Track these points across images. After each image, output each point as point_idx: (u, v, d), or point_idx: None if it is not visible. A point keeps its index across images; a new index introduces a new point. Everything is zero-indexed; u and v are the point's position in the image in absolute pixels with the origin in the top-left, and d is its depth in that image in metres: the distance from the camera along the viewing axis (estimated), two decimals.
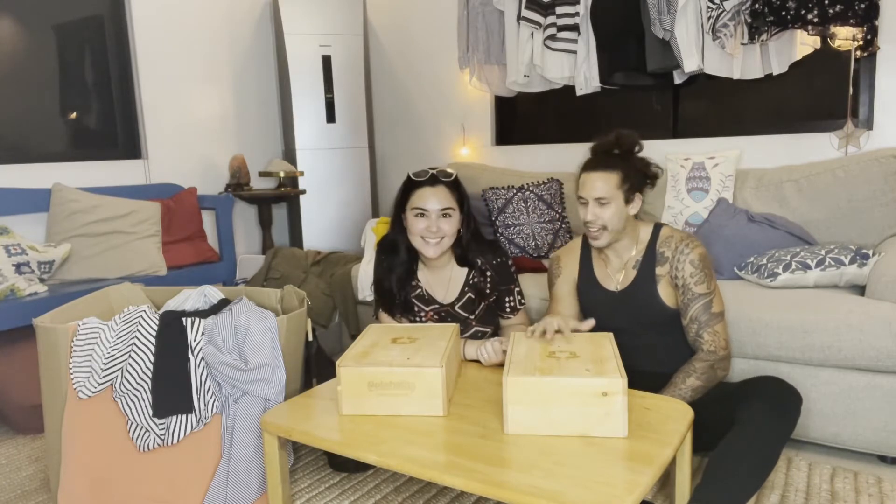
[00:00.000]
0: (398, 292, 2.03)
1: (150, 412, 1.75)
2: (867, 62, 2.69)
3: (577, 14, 3.13)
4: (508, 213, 3.06)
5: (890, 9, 2.59)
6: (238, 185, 3.69)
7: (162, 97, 3.55)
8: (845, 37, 2.61)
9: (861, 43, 2.57)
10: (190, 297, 2.09)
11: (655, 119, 3.30)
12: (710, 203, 2.74)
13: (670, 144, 3.13)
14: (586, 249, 2.05)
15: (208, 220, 3.69)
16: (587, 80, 3.17)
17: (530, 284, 2.53)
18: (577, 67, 3.18)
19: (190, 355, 1.79)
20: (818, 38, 2.70)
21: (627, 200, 1.85)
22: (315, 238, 3.95)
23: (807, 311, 2.00)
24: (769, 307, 2.06)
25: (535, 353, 1.60)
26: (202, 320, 1.82)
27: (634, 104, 3.38)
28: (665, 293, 1.89)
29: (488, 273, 2.02)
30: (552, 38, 3.20)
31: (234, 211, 3.95)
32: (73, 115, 3.31)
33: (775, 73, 2.78)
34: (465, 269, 2.04)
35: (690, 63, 2.83)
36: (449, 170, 1.98)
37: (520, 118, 3.80)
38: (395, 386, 1.56)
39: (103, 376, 1.76)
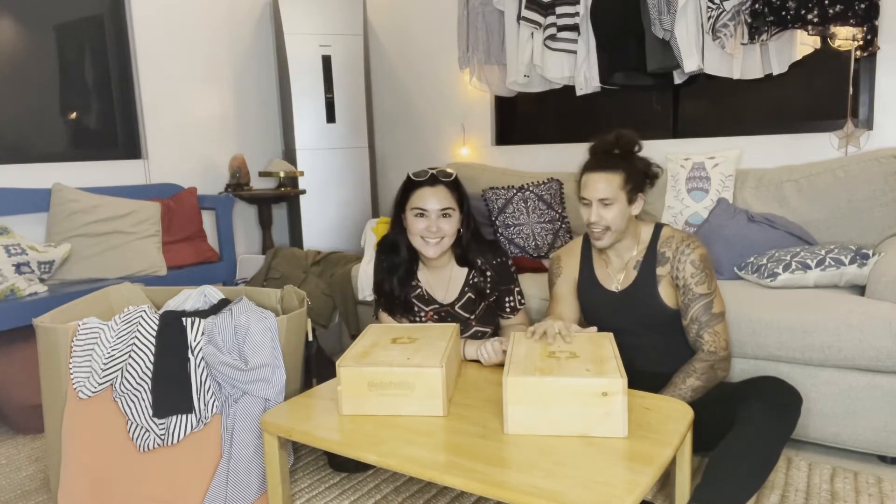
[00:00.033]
0: (398, 292, 2.03)
1: (150, 412, 1.75)
2: (867, 62, 2.69)
3: (577, 14, 3.13)
4: (508, 213, 3.06)
5: (890, 9, 2.59)
6: (238, 185, 3.69)
7: (162, 97, 3.55)
8: (845, 37, 2.61)
9: (861, 43, 2.57)
10: (190, 298, 2.09)
11: (655, 119, 3.30)
12: (710, 203, 2.74)
13: (670, 144, 3.13)
14: (587, 249, 2.05)
15: (208, 220, 3.69)
16: (587, 80, 3.17)
17: (530, 284, 2.53)
18: (577, 67, 3.18)
19: (190, 355, 1.79)
20: (818, 38, 2.70)
21: (630, 201, 1.85)
22: (315, 238, 3.95)
23: (807, 311, 2.00)
24: (769, 307, 2.06)
25: (535, 353, 1.59)
26: (202, 320, 1.82)
27: (634, 104, 3.38)
28: (666, 293, 1.89)
29: (488, 273, 2.02)
30: (552, 38, 3.20)
31: (234, 211, 3.95)
32: (73, 115, 3.31)
33: (775, 73, 2.78)
34: (465, 269, 2.04)
35: (690, 63, 2.83)
36: (449, 170, 1.98)
37: (520, 118, 3.80)
38: (395, 386, 1.56)
39: (103, 376, 1.76)
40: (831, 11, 2.51)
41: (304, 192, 3.84)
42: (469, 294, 2.03)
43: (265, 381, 1.81)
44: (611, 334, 1.72)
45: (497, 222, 3.07)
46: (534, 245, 3.01)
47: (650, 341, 1.94)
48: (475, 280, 2.03)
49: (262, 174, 3.69)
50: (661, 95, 3.27)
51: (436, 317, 2.05)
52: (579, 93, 3.20)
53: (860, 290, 2.17)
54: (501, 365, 1.85)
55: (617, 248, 1.94)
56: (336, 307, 3.07)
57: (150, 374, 1.77)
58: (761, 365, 2.09)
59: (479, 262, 2.02)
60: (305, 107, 3.86)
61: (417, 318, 2.06)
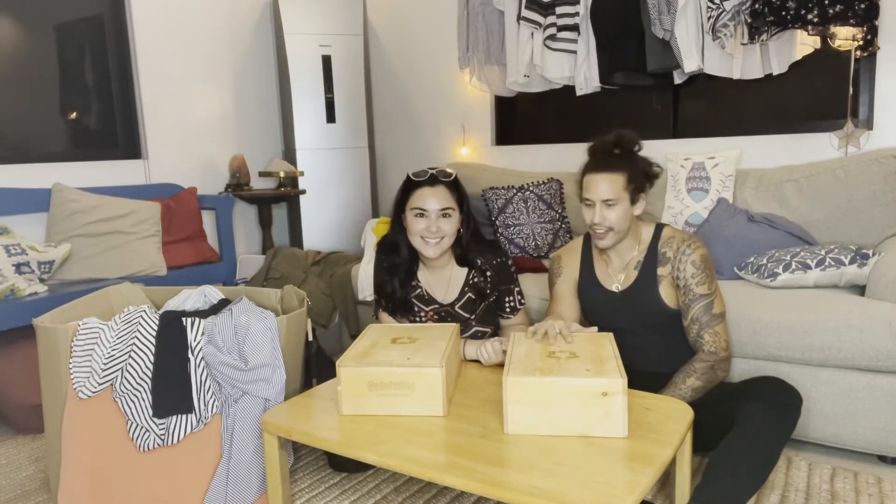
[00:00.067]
0: (398, 293, 2.03)
1: (150, 412, 1.75)
2: (867, 62, 2.69)
3: (577, 14, 3.13)
4: (508, 213, 3.06)
5: (890, 9, 2.59)
6: (238, 185, 3.69)
7: (162, 97, 3.55)
8: (845, 37, 2.61)
9: (861, 43, 2.57)
10: (190, 297, 2.09)
11: (655, 119, 3.30)
12: (710, 203, 2.74)
13: (670, 144, 3.13)
14: (587, 249, 2.05)
15: (208, 220, 3.69)
16: (587, 80, 3.17)
17: (530, 284, 2.53)
18: (577, 67, 3.18)
19: (190, 355, 1.79)
20: (818, 38, 2.70)
21: (633, 201, 1.85)
22: (315, 238, 3.95)
23: (807, 311, 2.00)
24: (769, 307, 2.06)
25: (535, 353, 1.59)
26: (202, 320, 1.82)
27: (634, 104, 3.38)
28: (666, 294, 1.89)
29: (488, 273, 2.02)
30: (552, 38, 3.20)
31: (234, 211, 3.95)
32: (73, 115, 3.31)
33: (775, 73, 2.78)
34: (465, 269, 2.04)
35: (690, 63, 2.83)
36: (448, 170, 1.98)
37: (520, 118, 3.80)
38: (395, 386, 1.56)
39: (103, 376, 1.76)
40: (831, 11, 2.51)
41: (304, 192, 3.84)
42: (469, 294, 2.03)
43: (265, 381, 1.81)
44: (611, 334, 1.72)
45: (497, 222, 3.07)
46: (534, 245, 3.01)
47: (650, 341, 1.94)
48: (475, 280, 2.03)
49: (262, 174, 3.69)
50: (661, 95, 3.27)
51: (436, 317, 2.05)
52: (579, 93, 3.20)
53: (860, 290, 2.17)
54: (501, 365, 1.85)
55: (618, 248, 1.94)
56: (336, 307, 3.07)
57: (150, 374, 1.77)
58: (761, 365, 2.09)
59: (479, 262, 2.02)
60: (305, 107, 3.86)
61: (417, 318, 2.06)
